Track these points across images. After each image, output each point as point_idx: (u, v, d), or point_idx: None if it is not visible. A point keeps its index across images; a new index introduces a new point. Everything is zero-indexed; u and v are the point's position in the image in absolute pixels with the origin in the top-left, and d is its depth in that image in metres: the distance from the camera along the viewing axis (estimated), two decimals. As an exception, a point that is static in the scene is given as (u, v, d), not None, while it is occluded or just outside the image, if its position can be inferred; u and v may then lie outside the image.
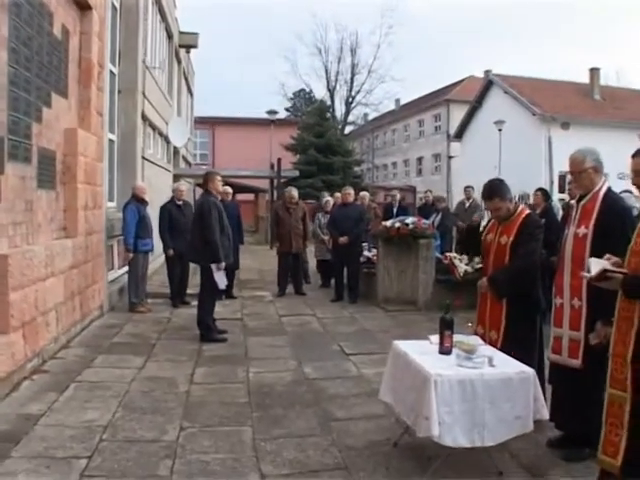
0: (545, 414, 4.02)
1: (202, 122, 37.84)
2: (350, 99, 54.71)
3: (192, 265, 9.86)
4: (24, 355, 5.93)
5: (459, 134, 39.14)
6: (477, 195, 15.44)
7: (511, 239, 4.82)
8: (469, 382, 3.78)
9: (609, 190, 4.35)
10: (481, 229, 5.35)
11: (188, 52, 23.32)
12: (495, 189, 4.99)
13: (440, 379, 3.72)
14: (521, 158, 28.98)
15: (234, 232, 8.98)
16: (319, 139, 37.75)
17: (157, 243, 10.43)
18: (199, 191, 23.36)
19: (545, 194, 10.06)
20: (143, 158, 13.66)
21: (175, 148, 20.30)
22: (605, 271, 3.46)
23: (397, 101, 56.64)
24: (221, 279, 7.96)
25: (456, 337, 4.27)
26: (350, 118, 55.83)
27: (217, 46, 75.97)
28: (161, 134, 17.39)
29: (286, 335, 8.36)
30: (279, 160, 24.92)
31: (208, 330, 7.96)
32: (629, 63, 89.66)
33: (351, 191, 11.72)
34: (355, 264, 11.16)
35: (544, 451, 4.44)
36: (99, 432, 4.66)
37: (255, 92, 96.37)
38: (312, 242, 12.94)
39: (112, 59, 10.67)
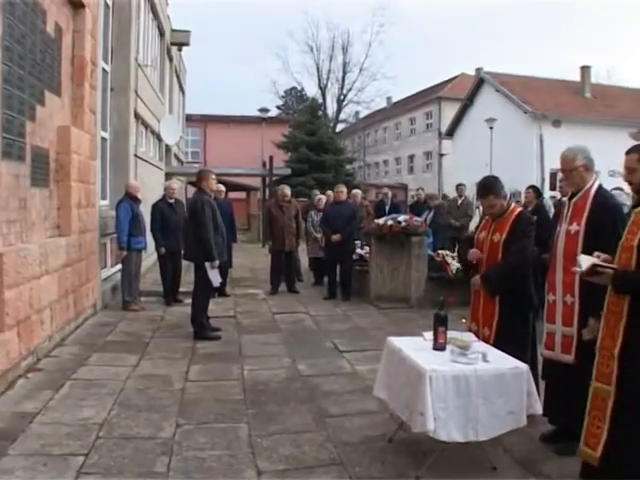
0: (538, 409, 4.08)
1: (194, 120, 37.77)
2: (342, 97, 54.81)
3: (185, 263, 9.86)
4: (19, 353, 5.93)
5: (450, 132, 39.25)
6: (469, 193, 15.58)
7: (504, 236, 4.87)
8: (463, 378, 3.82)
9: (600, 187, 4.40)
10: (472, 229, 5.39)
11: (180, 50, 23.30)
12: (490, 186, 5.05)
13: (435, 375, 3.76)
14: (512, 156, 29.11)
15: (227, 230, 8.99)
16: (311, 137, 37.74)
17: (150, 241, 10.44)
18: (191, 189, 23.45)
19: (537, 192, 10.12)
20: (135, 156, 13.64)
21: (167, 146, 20.28)
22: (595, 266, 3.52)
23: (389, 99, 56.72)
24: (215, 277, 7.98)
25: (450, 333, 4.31)
26: (342, 116, 55.95)
27: (209, 44, 75.89)
28: (153, 132, 17.37)
29: (280, 333, 8.39)
30: (271, 158, 24.94)
31: (202, 328, 7.97)
32: (620, 61, 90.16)
33: (344, 189, 11.76)
34: (348, 262, 11.19)
35: (537, 445, 4.49)
36: (95, 429, 4.67)
37: (247, 90, 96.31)
38: (304, 240, 12.96)
39: (104, 57, 10.66)
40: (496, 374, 3.90)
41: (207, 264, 7.83)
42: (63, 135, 7.69)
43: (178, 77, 24.75)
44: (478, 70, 36.75)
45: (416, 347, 4.32)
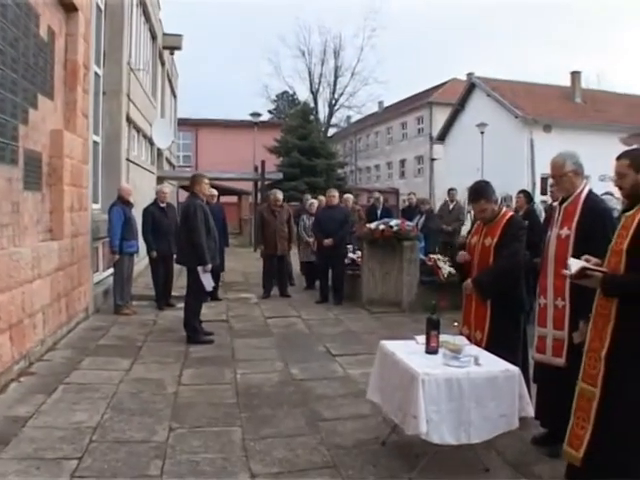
0: (530, 411, 4.12)
1: (185, 124, 37.75)
2: (333, 101, 54.79)
3: (177, 267, 9.87)
4: (11, 357, 5.93)
5: (442, 137, 39.37)
6: (460, 197, 15.64)
7: (495, 241, 4.91)
8: (456, 381, 3.86)
9: (590, 192, 4.45)
10: (464, 234, 5.41)
11: (172, 54, 23.30)
12: (481, 191, 5.10)
13: (428, 378, 3.79)
14: (503, 160, 29.23)
15: (219, 234, 9.02)
16: (302, 141, 37.78)
17: (142, 245, 10.43)
18: (182, 193, 23.46)
19: (528, 196, 10.16)
20: (127, 160, 13.64)
21: (159, 150, 20.27)
22: (585, 269, 3.57)
23: (380, 103, 56.79)
24: (207, 281, 8.00)
25: (442, 337, 4.34)
26: (333, 120, 55.91)
27: (201, 48, 75.87)
28: (145, 136, 17.37)
29: (272, 337, 8.40)
30: (263, 162, 24.96)
31: (194, 332, 7.98)
32: (610, 66, 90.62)
33: (336, 193, 11.79)
34: (340, 266, 11.22)
35: (529, 448, 4.52)
36: (88, 433, 4.67)
37: (238, 94, 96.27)
38: (296, 244, 12.98)
39: (97, 60, 10.66)
40: (488, 377, 3.94)
41: (199, 268, 7.84)
42: (56, 139, 7.69)
43: (170, 81, 24.76)
44: (469, 75, 36.88)
45: (409, 350, 4.35)
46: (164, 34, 20.69)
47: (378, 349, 4.67)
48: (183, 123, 35.62)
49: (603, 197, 7.42)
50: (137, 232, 10.09)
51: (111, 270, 10.31)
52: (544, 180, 26.54)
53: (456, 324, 5.12)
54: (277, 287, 11.89)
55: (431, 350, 4.27)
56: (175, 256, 9.00)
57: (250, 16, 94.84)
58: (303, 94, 58.12)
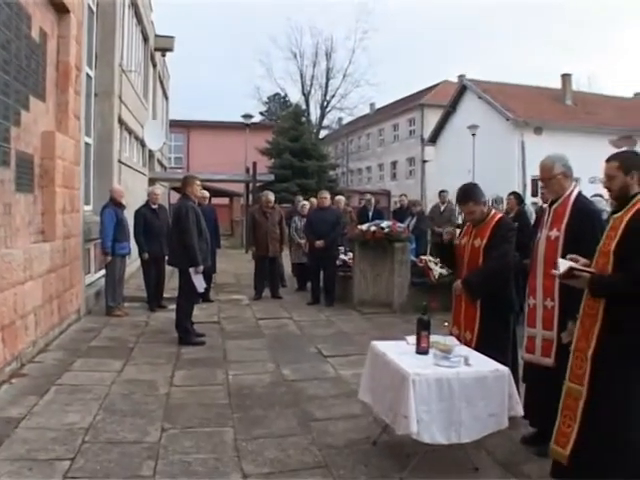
0: (519, 411, 4.16)
1: (177, 125, 37.74)
2: (325, 103, 54.88)
3: (169, 269, 9.88)
4: (3, 359, 5.93)
5: (433, 138, 39.47)
6: (451, 199, 15.69)
7: (484, 242, 4.96)
8: (446, 381, 3.89)
9: (579, 194, 4.50)
10: (456, 241, 5.43)
11: (164, 55, 23.30)
12: (469, 193, 5.14)
13: (418, 378, 3.83)
14: (495, 162, 29.34)
15: (211, 236, 9.02)
16: (294, 143, 37.80)
17: (134, 246, 10.44)
18: (174, 194, 23.42)
19: (518, 198, 10.22)
20: (119, 162, 13.63)
21: (150, 151, 20.25)
22: (573, 269, 3.62)
23: (372, 105, 56.93)
24: (199, 282, 8.01)
25: (433, 338, 4.38)
26: (325, 122, 56.03)
27: (193, 50, 75.86)
28: (137, 138, 17.35)
29: (264, 338, 8.42)
30: (254, 164, 24.96)
31: (186, 333, 7.99)
32: (600, 69, 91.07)
33: (327, 195, 11.82)
34: (331, 267, 11.25)
35: (518, 447, 4.57)
36: (81, 434, 4.68)
37: (230, 96, 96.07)
38: (287, 246, 13.00)
39: (89, 62, 10.66)
40: (478, 377, 3.97)
41: (191, 270, 7.86)
42: (48, 140, 7.69)
43: (162, 83, 24.75)
44: (461, 77, 37.01)
45: (400, 351, 4.38)
46: (156, 36, 20.71)
47: (369, 350, 4.71)
48: (175, 125, 35.60)
49: (593, 199, 7.51)
50: (129, 234, 10.09)
51: (103, 272, 10.31)
52: (535, 182, 26.67)
53: (446, 324, 5.16)
54: (269, 289, 11.91)
55: (422, 350, 4.30)
56: (167, 257, 9.01)
57: (241, 18, 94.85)
58: (295, 96, 58.10)
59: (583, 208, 4.41)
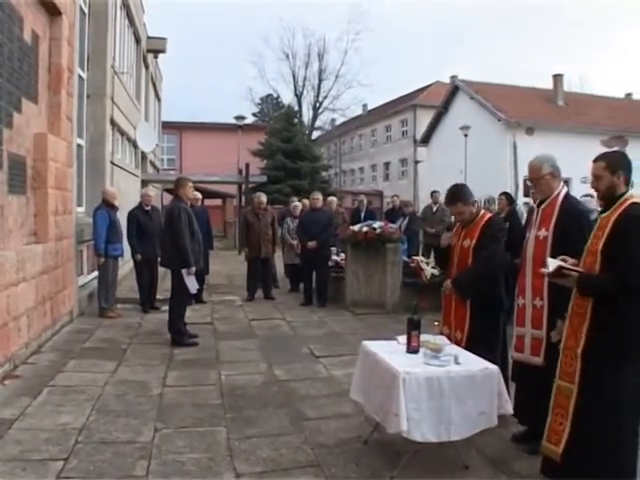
0: (509, 409, 4.21)
1: (170, 127, 37.73)
2: (317, 104, 54.97)
3: (162, 270, 9.90)
4: (-4, 360, 5.95)
5: (426, 139, 39.53)
6: (443, 199, 15.74)
7: (474, 242, 5.01)
8: (436, 379, 3.94)
9: (567, 194, 4.56)
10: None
11: (156, 57, 23.30)
12: (458, 194, 5.19)
13: (408, 377, 3.87)
14: (487, 163, 29.44)
15: (204, 237, 9.05)
16: (287, 144, 37.80)
17: (127, 248, 10.45)
18: (167, 196, 23.43)
19: (509, 198, 10.27)
20: (112, 163, 13.64)
21: (143, 153, 20.25)
22: (561, 268, 3.67)
23: (364, 106, 57.06)
24: (192, 283, 8.04)
25: (423, 337, 4.43)
26: (317, 123, 56.13)
27: (185, 51, 75.82)
28: (129, 139, 17.35)
29: (256, 339, 8.45)
30: (247, 165, 24.98)
31: (179, 334, 8.01)
32: (592, 69, 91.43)
33: (319, 196, 11.86)
34: (324, 268, 11.29)
35: (509, 445, 4.62)
36: (74, 435, 4.71)
37: (223, 97, 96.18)
38: (280, 247, 13.03)
39: (81, 64, 10.67)
40: (467, 375, 4.02)
41: (184, 271, 7.89)
42: (40, 142, 7.70)
43: (154, 84, 24.74)
44: (453, 78, 37.08)
45: (390, 350, 4.43)
46: (148, 37, 20.72)
47: (360, 349, 4.75)
48: (167, 126, 35.60)
49: (583, 199, 7.60)
50: (122, 235, 10.10)
51: (96, 273, 10.32)
52: (527, 182, 26.71)
53: (436, 324, 5.21)
54: (261, 290, 11.95)
55: (412, 350, 4.35)
56: (159, 259, 9.03)
57: (234, 20, 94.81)
58: (287, 97, 58.13)
59: (571, 208, 4.46)
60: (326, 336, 8.64)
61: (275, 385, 6.22)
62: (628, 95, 41.29)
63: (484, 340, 4.82)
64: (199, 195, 11.82)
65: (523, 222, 9.03)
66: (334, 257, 11.80)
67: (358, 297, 10.78)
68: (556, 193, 4.53)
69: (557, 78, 35.64)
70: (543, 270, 3.91)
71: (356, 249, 10.78)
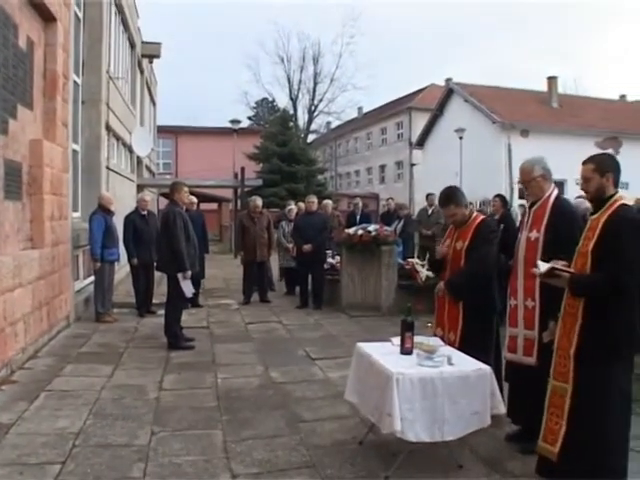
0: (502, 409, 4.25)
1: (165, 131, 37.76)
2: (313, 108, 54.89)
3: (158, 275, 9.93)
4: (-7, 365, 5.97)
5: (421, 142, 39.58)
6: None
7: (466, 244, 5.07)
8: (429, 380, 3.98)
9: (558, 196, 4.62)
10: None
11: (151, 62, 23.34)
12: (451, 196, 5.25)
13: (402, 377, 3.91)
14: (482, 165, 29.51)
15: (199, 242, 9.09)
16: (282, 148, 37.83)
17: (123, 253, 10.48)
18: (163, 200, 23.44)
19: (503, 200, 10.35)
20: (107, 168, 13.67)
21: (138, 158, 20.26)
22: (553, 269, 3.72)
23: (360, 109, 57.04)
24: (188, 287, 8.07)
25: (417, 338, 4.48)
26: (313, 127, 56.02)
27: (180, 55, 75.89)
28: (125, 144, 17.37)
29: (252, 342, 8.48)
30: (242, 169, 25.00)
31: (175, 338, 8.05)
32: (586, 71, 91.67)
33: (314, 200, 11.90)
34: (319, 271, 11.33)
35: (502, 445, 4.66)
36: (71, 438, 4.74)
37: (218, 101, 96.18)
38: (276, 250, 13.07)
39: (76, 69, 10.70)
40: (460, 376, 4.06)
41: (179, 275, 7.93)
42: (35, 148, 7.73)
43: (149, 89, 24.79)
44: (447, 81, 37.13)
45: (384, 352, 4.47)
46: (143, 42, 20.75)
47: (355, 351, 4.79)
48: (163, 130, 35.64)
49: (577, 200, 7.65)
50: (118, 240, 10.13)
51: (92, 278, 10.34)
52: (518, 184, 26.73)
53: (429, 325, 5.26)
54: (257, 293, 11.98)
55: (406, 351, 4.39)
56: (155, 263, 9.07)
57: (229, 23, 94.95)
58: (282, 101, 58.13)
59: (562, 210, 4.52)
60: (322, 338, 8.68)
61: (271, 387, 6.26)
62: (622, 97, 41.41)
63: (477, 341, 4.87)
64: (195, 199, 11.86)
65: (518, 224, 9.11)
66: (329, 260, 11.85)
67: (353, 300, 10.82)
68: (547, 195, 4.59)
69: (551, 80, 35.71)
70: (535, 270, 3.95)
71: (351, 252, 10.83)
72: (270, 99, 59.91)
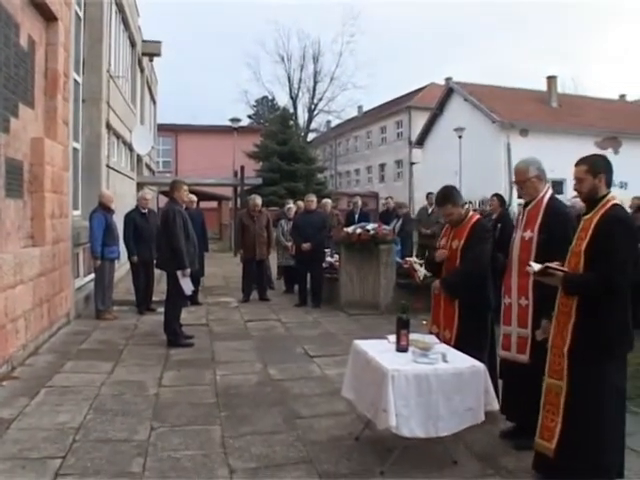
0: (495, 405, 4.32)
1: (165, 129, 37.80)
2: (312, 106, 55.04)
3: (157, 272, 9.99)
4: (-6, 362, 6.03)
5: (421, 141, 39.61)
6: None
7: (462, 243, 5.13)
8: (424, 377, 4.05)
9: (552, 196, 4.69)
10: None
11: (151, 60, 23.37)
12: (448, 195, 5.32)
13: (397, 374, 3.98)
14: (481, 164, 29.55)
15: (199, 240, 9.14)
16: (282, 146, 37.91)
17: (123, 251, 10.55)
18: (162, 199, 23.50)
19: (501, 199, 10.37)
20: (107, 166, 13.72)
21: (138, 156, 20.31)
22: (547, 267, 3.79)
23: (359, 108, 57.13)
24: (187, 285, 8.13)
25: (413, 336, 4.55)
26: (313, 125, 56.21)
27: (180, 54, 75.91)
28: (125, 142, 17.42)
29: (251, 339, 8.54)
30: (242, 168, 25.04)
31: (175, 335, 8.11)
32: (586, 71, 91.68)
33: (313, 198, 11.96)
34: (318, 270, 11.39)
35: (497, 441, 4.72)
36: (72, 433, 4.80)
37: (218, 99, 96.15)
38: (275, 249, 13.13)
39: (76, 68, 10.76)
40: (455, 373, 4.13)
41: (179, 273, 7.99)
42: (36, 147, 7.79)
43: (149, 87, 24.83)
44: (447, 80, 37.17)
45: (380, 349, 4.54)
46: (143, 41, 20.80)
47: (351, 348, 4.86)
48: (163, 129, 35.69)
49: (574, 200, 7.70)
50: (118, 238, 10.19)
51: (92, 276, 10.41)
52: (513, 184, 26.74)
53: (425, 322, 5.33)
54: (256, 291, 12.05)
55: (401, 348, 4.46)
56: (155, 261, 9.13)
57: (230, 22, 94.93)
58: (282, 99, 58.23)
59: (555, 210, 4.58)
60: (320, 336, 8.74)
61: (269, 384, 6.32)
62: (622, 97, 41.46)
63: (472, 339, 4.93)
64: (194, 198, 11.93)
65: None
66: (328, 258, 11.91)
67: (352, 298, 10.88)
68: (541, 195, 4.65)
69: (551, 80, 35.74)
70: (529, 269, 4.01)
71: (350, 250, 10.89)
72: (270, 98, 60.14)
